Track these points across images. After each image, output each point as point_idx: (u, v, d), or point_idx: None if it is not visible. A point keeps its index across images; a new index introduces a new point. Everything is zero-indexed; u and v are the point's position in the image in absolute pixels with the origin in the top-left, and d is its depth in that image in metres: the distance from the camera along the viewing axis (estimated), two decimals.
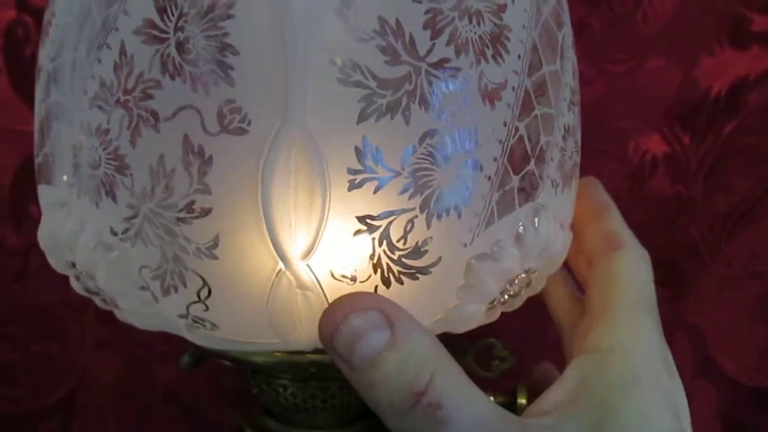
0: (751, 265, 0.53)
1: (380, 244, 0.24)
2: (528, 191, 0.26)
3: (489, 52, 0.24)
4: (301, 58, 0.22)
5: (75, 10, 0.25)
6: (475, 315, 0.27)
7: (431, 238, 0.24)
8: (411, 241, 0.24)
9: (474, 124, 0.24)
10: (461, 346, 0.35)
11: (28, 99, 0.60)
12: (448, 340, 0.28)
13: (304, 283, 0.24)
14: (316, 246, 0.24)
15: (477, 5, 0.24)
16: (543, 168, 0.26)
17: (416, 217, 0.23)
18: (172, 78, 0.22)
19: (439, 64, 0.23)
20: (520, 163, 0.25)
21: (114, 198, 0.24)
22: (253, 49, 0.22)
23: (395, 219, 0.23)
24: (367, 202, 0.23)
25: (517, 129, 0.25)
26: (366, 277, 0.24)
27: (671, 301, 0.54)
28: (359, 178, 0.23)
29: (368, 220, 0.23)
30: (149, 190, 0.24)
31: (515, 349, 0.37)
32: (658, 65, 0.53)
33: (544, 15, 0.26)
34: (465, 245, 0.25)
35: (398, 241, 0.24)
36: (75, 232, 0.26)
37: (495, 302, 0.27)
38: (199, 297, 0.25)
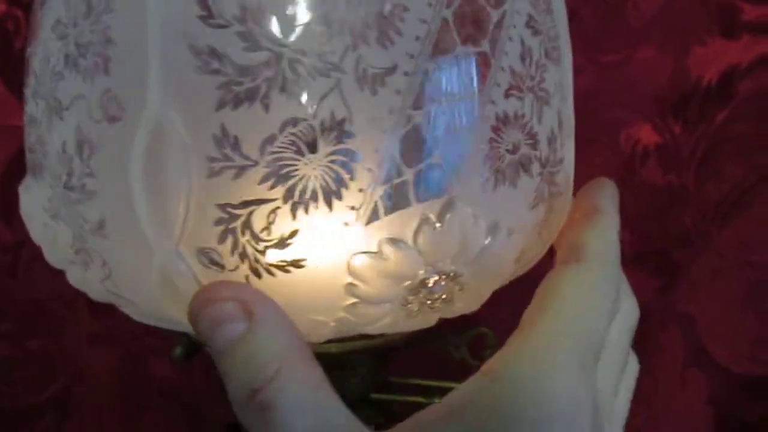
0: (742, 254, 0.53)
1: (243, 234, 0.24)
2: (430, 186, 0.24)
3: (372, 35, 0.23)
4: (160, 47, 0.23)
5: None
6: (380, 316, 0.26)
7: (297, 230, 0.24)
8: (275, 232, 0.24)
9: (347, 112, 0.23)
10: (454, 335, 0.35)
11: (18, 93, 0.60)
12: (439, 328, 0.29)
13: (177, 268, 0.24)
14: (184, 233, 0.24)
15: None
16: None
17: (279, 208, 0.23)
18: (70, 71, 0.25)
19: (305, 50, 0.22)
20: (417, 155, 0.24)
21: (42, 179, 0.27)
22: (127, 40, 0.24)
23: (256, 209, 0.23)
24: (226, 190, 0.23)
25: (410, 117, 0.24)
26: (234, 267, 0.24)
27: (663, 290, 0.54)
28: (218, 166, 0.23)
29: (228, 209, 0.23)
30: (58, 174, 0.26)
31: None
32: (649, 55, 0.54)
33: None
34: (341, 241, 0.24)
35: (262, 231, 0.23)
36: (29, 212, 0.30)
37: (409, 304, 0.26)
38: (104, 273, 0.26)
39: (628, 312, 0.29)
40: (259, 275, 0.24)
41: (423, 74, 0.23)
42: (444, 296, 0.26)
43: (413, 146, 0.24)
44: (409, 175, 0.24)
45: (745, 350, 0.54)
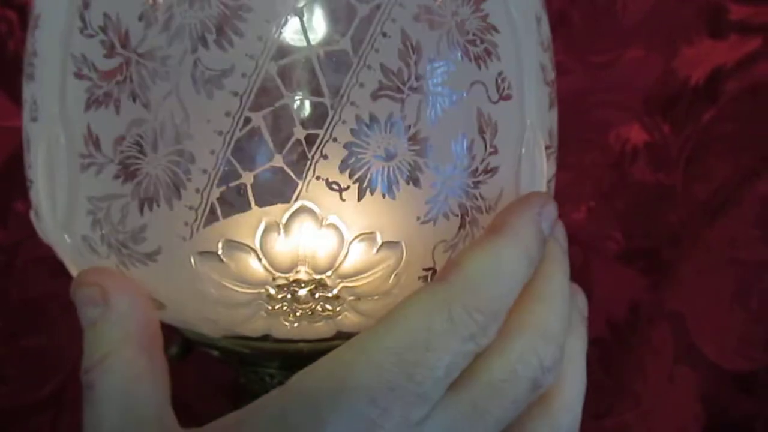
0: (730, 251, 0.54)
1: (105, 225, 0.26)
2: (277, 190, 0.24)
3: (211, 37, 0.23)
4: (52, 57, 0.26)
5: None
6: (248, 318, 0.26)
7: (146, 225, 0.25)
8: (129, 225, 0.25)
9: (184, 115, 0.24)
10: None
11: (12, 95, 0.60)
12: None
13: (80, 254, 0.28)
14: (73, 221, 0.27)
15: None
16: (306, 166, 0.24)
17: (129, 203, 0.25)
18: (26, 81, 0.29)
19: (149, 54, 0.24)
20: (258, 158, 0.24)
21: None
22: (43, 51, 0.27)
23: (112, 203, 0.25)
24: (92, 185, 0.26)
25: (248, 120, 0.24)
26: (106, 255, 0.26)
27: (652, 288, 0.55)
28: (86, 162, 0.25)
29: (94, 202, 0.26)
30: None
31: None
32: (638, 56, 0.54)
33: None
34: (184, 239, 0.25)
35: (118, 224, 0.25)
36: None
37: (280, 311, 0.26)
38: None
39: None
40: (125, 265, 0.26)
41: (263, 75, 0.23)
42: (326, 307, 0.26)
43: (252, 149, 0.24)
44: (247, 178, 0.24)
45: (734, 346, 0.55)
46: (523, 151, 0.27)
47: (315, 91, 0.23)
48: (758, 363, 0.54)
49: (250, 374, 0.33)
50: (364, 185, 0.24)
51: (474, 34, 0.25)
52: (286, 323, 0.26)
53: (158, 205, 0.24)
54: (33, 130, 0.28)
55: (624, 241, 0.56)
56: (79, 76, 0.25)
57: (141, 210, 0.25)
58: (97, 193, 0.25)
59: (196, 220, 0.24)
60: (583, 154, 0.56)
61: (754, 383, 0.55)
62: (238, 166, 0.24)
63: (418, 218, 0.25)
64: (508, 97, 0.26)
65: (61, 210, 0.27)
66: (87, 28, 0.25)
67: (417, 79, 0.24)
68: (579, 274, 0.58)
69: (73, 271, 0.29)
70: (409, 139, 0.24)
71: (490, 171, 0.26)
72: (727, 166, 0.53)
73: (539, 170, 0.28)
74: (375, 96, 0.24)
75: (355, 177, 0.24)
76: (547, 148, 0.29)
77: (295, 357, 0.31)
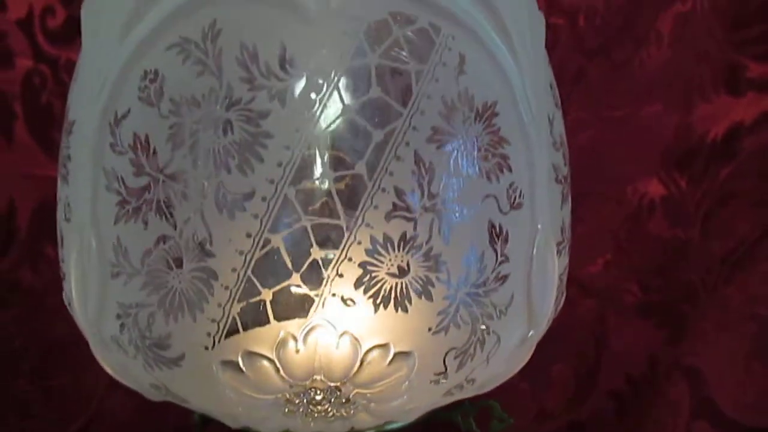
0: (748, 307, 0.54)
1: (133, 330, 0.27)
2: (295, 306, 0.25)
3: (233, 162, 0.25)
4: (84, 167, 0.28)
5: None
6: (264, 418, 0.28)
7: (171, 333, 0.26)
8: (155, 332, 0.27)
9: (208, 233, 0.25)
10: (464, 407, 0.36)
11: (44, 144, 0.62)
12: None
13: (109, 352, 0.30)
14: (102, 321, 0.29)
15: (228, 114, 0.25)
16: (322, 284, 0.25)
17: (155, 312, 0.26)
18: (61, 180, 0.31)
19: (174, 176, 0.25)
20: (277, 276, 0.25)
21: None
22: (77, 157, 0.29)
23: (139, 311, 0.27)
24: (121, 291, 0.27)
25: (267, 241, 0.25)
26: (133, 355, 0.28)
27: (670, 342, 0.55)
28: (115, 270, 0.27)
29: (123, 307, 0.27)
30: None
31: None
32: (655, 111, 0.54)
33: (348, 114, 0.25)
34: (207, 348, 0.26)
35: (145, 330, 0.27)
36: None
37: (293, 411, 0.27)
38: None
39: None
40: (151, 366, 0.28)
41: (283, 200, 0.25)
42: (341, 410, 0.27)
43: (270, 268, 0.25)
44: (267, 295, 0.25)
45: (753, 402, 0.54)
46: (534, 254, 0.28)
47: (331, 213, 0.25)
48: None
49: None
50: (378, 301, 0.25)
51: (486, 150, 0.26)
52: (303, 423, 0.27)
53: (183, 317, 0.26)
54: (67, 229, 0.29)
55: (641, 294, 0.56)
56: (109, 189, 0.27)
57: (166, 320, 0.26)
58: (125, 299, 0.27)
59: (218, 331, 0.25)
60: (600, 207, 0.56)
61: None
62: (257, 283, 0.25)
63: (430, 329, 0.26)
64: (519, 206, 0.27)
65: (92, 310, 0.28)
66: (118, 144, 0.26)
67: (429, 198, 0.25)
68: (595, 327, 0.59)
69: (102, 363, 0.30)
70: (421, 256, 0.25)
71: (501, 279, 0.27)
72: (745, 222, 0.53)
73: (551, 269, 0.29)
74: (389, 217, 0.25)
75: (369, 293, 0.25)
76: (558, 244, 0.30)
77: None
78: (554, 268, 0.29)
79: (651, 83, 0.54)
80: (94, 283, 0.27)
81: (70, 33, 0.60)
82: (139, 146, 0.25)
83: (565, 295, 0.33)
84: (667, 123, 0.54)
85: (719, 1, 0.52)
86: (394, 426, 0.31)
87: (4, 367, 0.59)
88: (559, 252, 0.30)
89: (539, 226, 0.28)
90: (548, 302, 0.30)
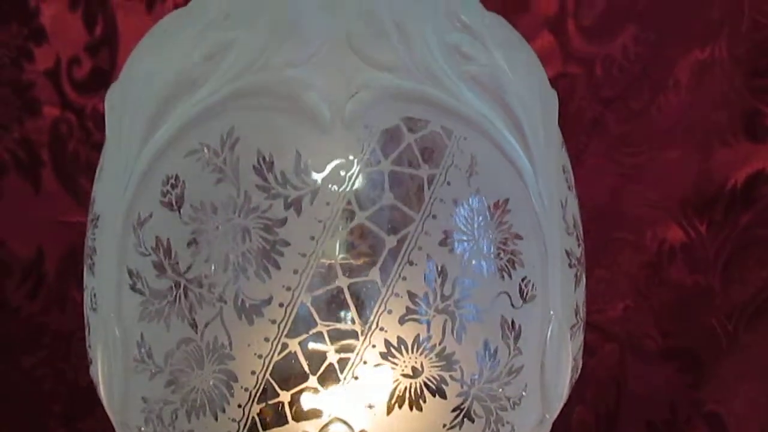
0: None
1: (157, 424, 0.28)
2: (312, 406, 0.26)
3: (251, 269, 0.25)
4: (109, 263, 0.28)
5: None
6: None
7: (193, 431, 0.27)
8: (178, 428, 0.27)
9: (228, 338, 0.26)
10: None
11: (72, 191, 0.64)
12: None
13: None
14: (127, 413, 0.30)
15: (246, 222, 0.25)
16: (338, 385, 0.25)
17: (178, 409, 0.27)
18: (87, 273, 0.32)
19: (195, 281, 0.26)
20: (294, 379, 0.26)
21: None
22: (101, 252, 0.30)
23: (163, 407, 0.28)
24: (145, 386, 0.28)
25: (285, 345, 0.25)
26: None
27: (691, 388, 0.55)
28: (140, 367, 0.28)
29: (148, 402, 0.28)
30: None
31: None
32: (674, 156, 0.54)
33: (362, 221, 0.25)
34: None
35: (168, 425, 0.28)
36: None
37: None
38: None
39: None
40: None
41: (299, 306, 0.25)
42: None
43: (289, 372, 0.26)
44: (285, 397, 0.26)
45: None
46: (547, 342, 0.29)
47: (346, 319, 0.25)
48: None
49: None
50: (393, 401, 0.26)
51: (498, 248, 0.27)
52: None
53: (204, 416, 0.27)
54: (93, 318, 0.30)
55: (661, 339, 0.56)
56: (133, 288, 0.27)
57: (189, 417, 0.27)
58: (149, 395, 0.28)
59: (238, 430, 0.26)
60: (619, 252, 0.56)
61: None
62: (276, 386, 0.26)
63: (444, 425, 0.27)
64: (532, 298, 0.28)
65: (117, 399, 0.29)
66: (141, 245, 0.27)
67: (442, 299, 0.26)
68: (616, 372, 0.59)
69: None
70: (435, 355, 0.26)
71: (515, 372, 0.28)
72: (765, 269, 0.53)
73: (564, 354, 0.30)
74: (402, 320, 0.25)
75: (384, 393, 0.26)
76: (572, 327, 0.30)
77: None
78: (568, 352, 0.30)
79: (669, 129, 0.54)
80: (119, 375, 0.28)
81: (96, 83, 0.62)
82: (161, 250, 0.26)
83: (580, 369, 0.33)
84: (687, 169, 0.54)
85: (737, 48, 0.52)
86: None
87: (35, 408, 0.61)
88: (573, 335, 0.30)
89: (552, 313, 0.29)
90: (562, 385, 0.30)
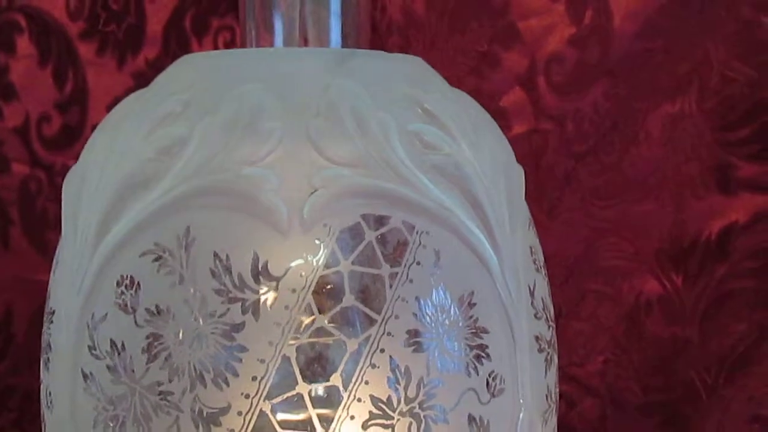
0: (750, 408, 0.53)
1: None
2: None
3: (208, 376, 0.24)
4: (64, 363, 0.27)
5: None
6: None
7: None
8: None
9: None
10: None
11: (41, 250, 0.62)
12: None
13: None
14: None
15: (202, 327, 0.25)
16: None
17: None
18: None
19: (150, 388, 0.25)
20: None
21: None
22: (56, 349, 0.29)
23: None
24: None
25: None
26: None
27: None
28: None
29: None
30: None
31: None
32: (647, 209, 0.54)
33: (321, 323, 0.25)
34: None
35: None
36: None
37: None
38: None
39: None
40: None
41: (258, 414, 0.24)
42: None
43: None
44: None
45: None
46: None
47: (308, 426, 0.24)
48: None
49: None
50: None
51: (465, 344, 0.26)
52: None
53: None
54: (49, 419, 0.29)
55: (642, 393, 0.55)
56: (88, 393, 0.26)
57: None
58: None
59: None
60: (596, 306, 0.56)
61: None
62: None
63: None
64: (500, 392, 0.27)
65: None
66: (95, 348, 0.26)
67: (407, 402, 0.25)
68: (597, 426, 0.58)
69: None
70: None
71: None
72: (742, 322, 0.53)
73: None
74: (365, 426, 0.25)
75: None
76: (544, 413, 0.30)
77: None
78: None
79: (642, 182, 0.54)
80: None
81: (66, 140, 0.61)
82: (116, 354, 0.26)
83: None
84: (661, 221, 0.54)
85: (707, 103, 0.52)
86: None
87: None
88: (545, 421, 0.30)
89: (521, 401, 0.28)
90: None
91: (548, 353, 0.31)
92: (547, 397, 0.30)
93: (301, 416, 0.24)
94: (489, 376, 0.27)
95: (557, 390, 0.32)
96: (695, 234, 0.54)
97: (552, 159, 0.54)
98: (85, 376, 0.26)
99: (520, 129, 0.55)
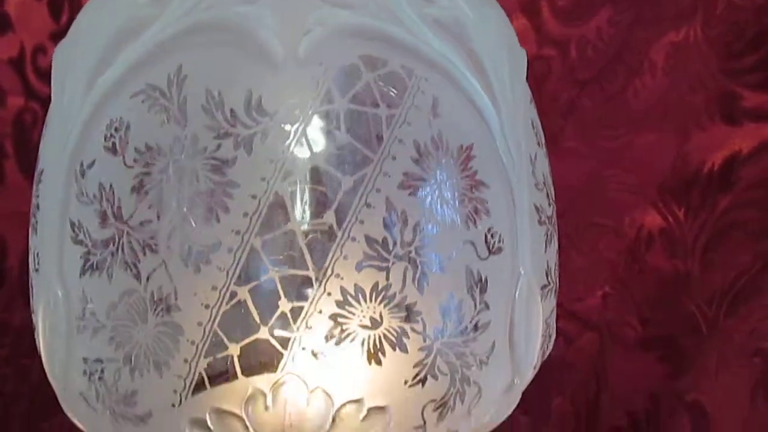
0: (751, 341, 0.52)
1: (99, 386, 0.26)
2: (264, 360, 0.24)
3: (199, 213, 0.24)
4: (51, 217, 0.27)
5: None
6: None
7: (137, 390, 0.25)
8: (121, 389, 0.26)
9: (173, 288, 0.24)
10: None
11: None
12: None
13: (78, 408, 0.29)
14: (70, 378, 0.28)
15: (192, 163, 0.24)
16: (292, 337, 0.24)
17: (120, 368, 0.25)
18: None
19: (138, 228, 0.24)
20: (244, 330, 0.24)
21: None
22: (44, 208, 0.28)
23: (105, 366, 0.26)
24: (87, 347, 0.26)
25: (234, 294, 0.24)
26: (101, 411, 0.27)
27: (671, 377, 0.54)
28: (81, 324, 0.26)
29: (89, 363, 0.26)
30: None
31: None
32: (650, 140, 0.54)
33: (316, 161, 0.24)
34: (173, 405, 0.25)
35: (111, 386, 0.26)
36: None
37: None
38: None
39: None
40: (119, 422, 0.27)
41: (249, 250, 0.24)
42: None
43: (238, 322, 0.24)
44: (234, 350, 0.24)
45: None
46: (516, 300, 0.27)
47: (300, 264, 0.24)
48: None
49: None
50: (350, 354, 0.24)
51: (462, 194, 0.25)
52: None
53: (148, 373, 0.25)
54: (36, 280, 0.28)
55: (641, 328, 0.55)
56: (75, 241, 0.26)
57: (132, 376, 0.25)
58: (91, 354, 0.26)
59: (184, 388, 0.25)
60: (597, 239, 0.55)
61: None
62: (224, 337, 0.24)
63: (406, 382, 0.25)
64: (498, 251, 0.26)
65: (59, 364, 0.27)
66: (83, 194, 0.26)
67: (402, 246, 0.24)
68: (596, 361, 0.57)
69: (71, 417, 0.29)
70: (395, 306, 0.24)
71: (481, 327, 0.26)
72: (745, 254, 0.52)
73: (535, 315, 0.28)
74: (359, 267, 0.24)
75: (340, 346, 0.24)
76: (543, 288, 0.29)
77: None
78: (539, 313, 0.28)
79: (645, 113, 0.54)
80: (61, 337, 0.27)
81: None
82: (104, 196, 0.25)
83: (553, 337, 0.32)
84: (663, 153, 0.54)
85: (712, 30, 0.52)
86: None
87: None
88: (544, 296, 0.29)
89: (521, 271, 0.27)
90: (533, 349, 0.28)
91: (548, 228, 0.30)
92: (546, 274, 0.29)
93: (293, 253, 0.23)
94: (488, 231, 0.26)
95: (557, 271, 0.31)
96: (698, 165, 0.53)
97: (555, 87, 0.53)
98: (72, 225, 0.26)
99: None
